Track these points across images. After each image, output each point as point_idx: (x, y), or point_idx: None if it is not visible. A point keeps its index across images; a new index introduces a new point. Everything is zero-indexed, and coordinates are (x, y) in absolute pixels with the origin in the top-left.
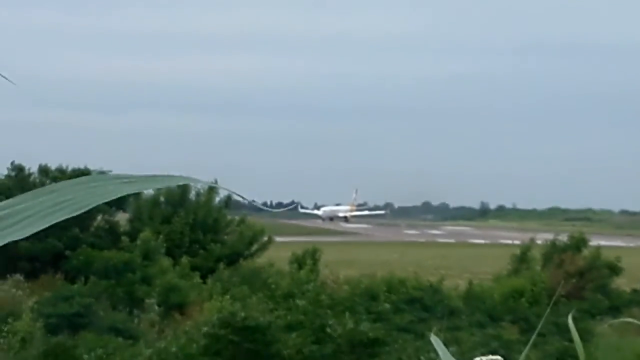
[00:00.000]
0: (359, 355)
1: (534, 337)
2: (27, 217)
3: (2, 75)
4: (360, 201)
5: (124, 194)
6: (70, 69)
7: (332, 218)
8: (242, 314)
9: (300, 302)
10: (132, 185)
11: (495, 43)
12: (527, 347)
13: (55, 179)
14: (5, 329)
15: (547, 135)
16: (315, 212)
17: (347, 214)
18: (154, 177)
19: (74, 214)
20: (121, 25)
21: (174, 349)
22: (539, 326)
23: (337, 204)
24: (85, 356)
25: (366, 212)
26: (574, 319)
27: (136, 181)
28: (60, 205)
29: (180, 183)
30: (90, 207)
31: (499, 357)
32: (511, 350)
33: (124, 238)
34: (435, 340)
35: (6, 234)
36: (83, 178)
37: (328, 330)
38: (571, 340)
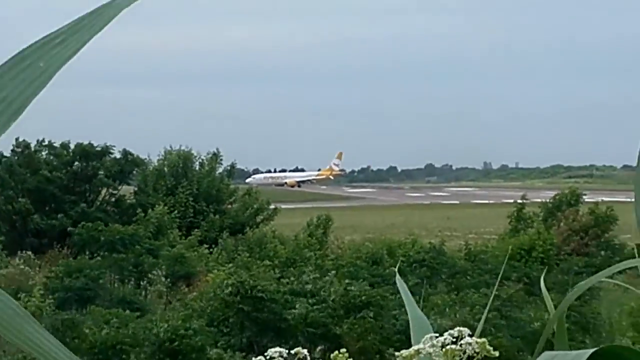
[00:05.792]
0: (354, 316)
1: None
2: None
3: None
4: (342, 166)
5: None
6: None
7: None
8: (251, 282)
9: (305, 269)
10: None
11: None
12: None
13: (58, 155)
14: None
15: (548, 92)
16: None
17: (288, 180)
18: None
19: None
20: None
21: (181, 318)
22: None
23: (319, 170)
24: (92, 329)
25: (309, 176)
26: (579, 274)
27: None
28: None
29: None
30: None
31: (466, 329)
32: (515, 307)
33: (139, 212)
34: (399, 281)
35: None
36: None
37: (324, 294)
38: (576, 299)
